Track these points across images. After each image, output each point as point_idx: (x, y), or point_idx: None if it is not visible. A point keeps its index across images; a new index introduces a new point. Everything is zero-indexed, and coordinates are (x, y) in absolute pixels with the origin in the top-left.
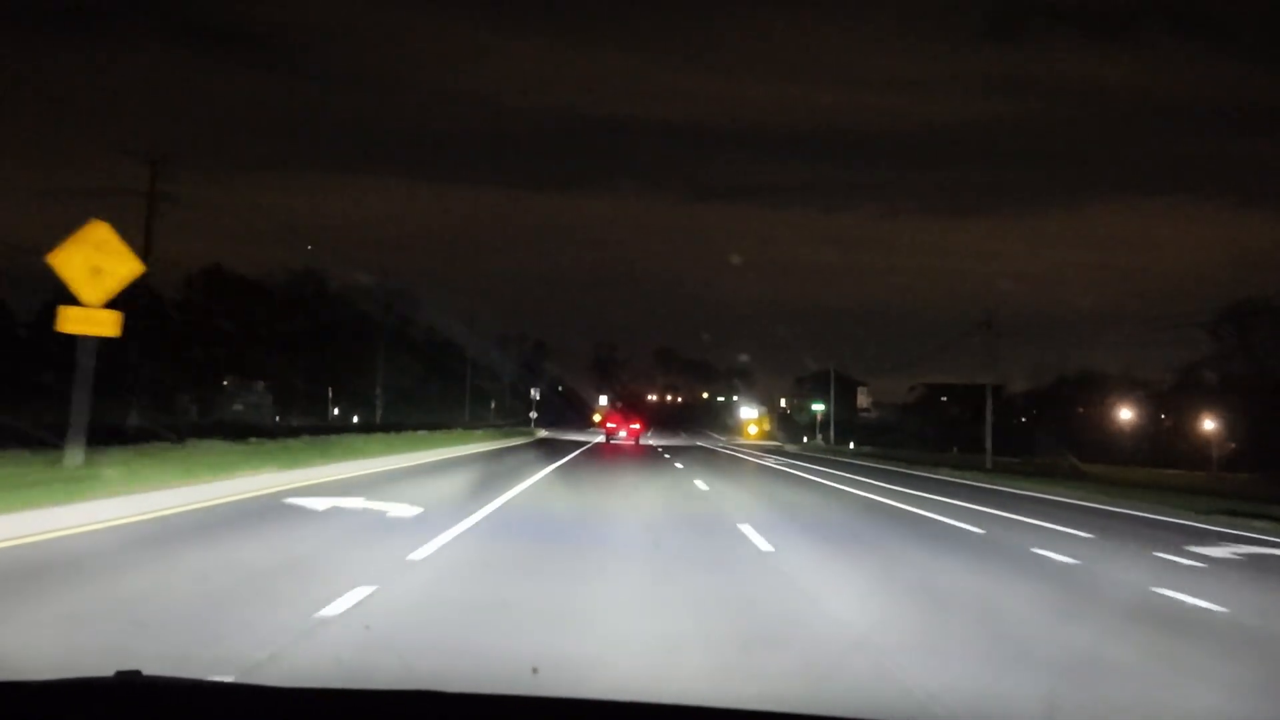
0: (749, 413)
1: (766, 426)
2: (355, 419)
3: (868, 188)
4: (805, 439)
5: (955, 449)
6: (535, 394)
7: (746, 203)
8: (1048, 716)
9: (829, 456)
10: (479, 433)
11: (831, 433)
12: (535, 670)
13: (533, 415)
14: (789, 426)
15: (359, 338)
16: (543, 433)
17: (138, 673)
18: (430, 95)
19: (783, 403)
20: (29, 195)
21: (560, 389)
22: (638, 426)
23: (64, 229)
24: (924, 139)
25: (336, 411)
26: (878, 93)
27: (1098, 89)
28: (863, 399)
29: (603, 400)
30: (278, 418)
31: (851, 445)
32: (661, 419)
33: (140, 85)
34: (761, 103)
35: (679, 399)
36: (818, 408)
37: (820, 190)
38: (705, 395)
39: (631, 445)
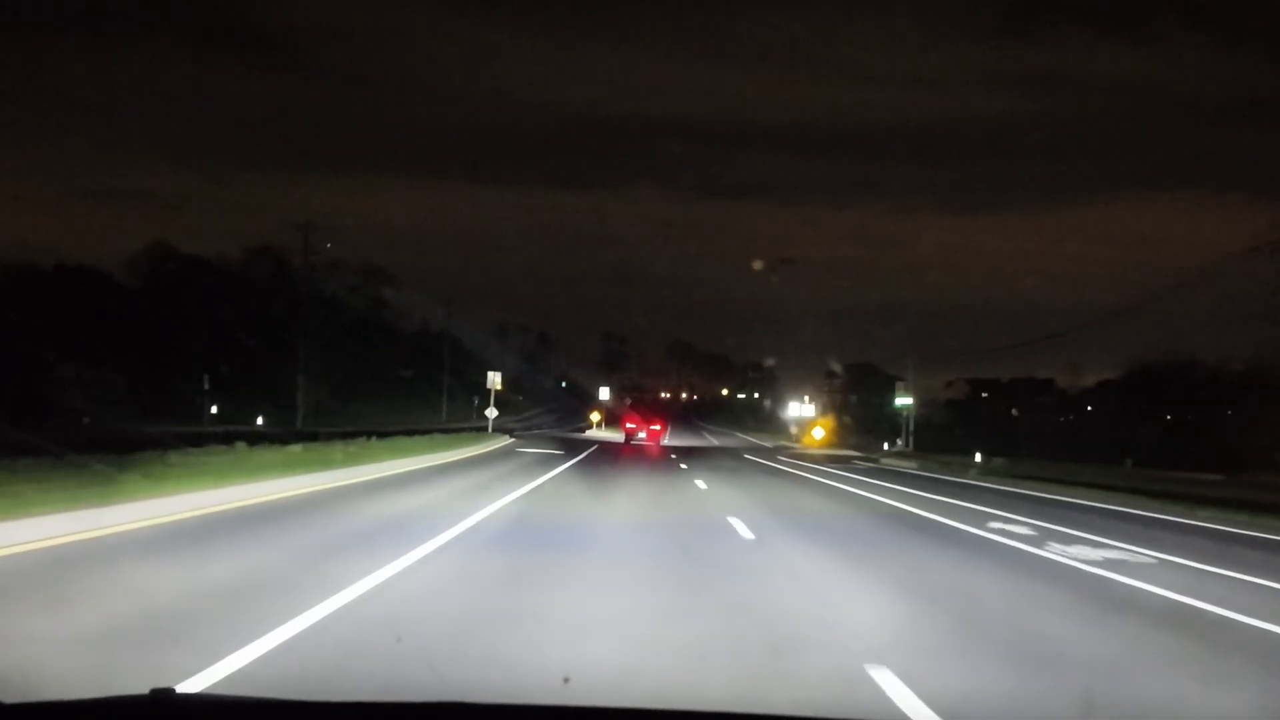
0: (797, 409)
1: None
2: (260, 420)
3: (881, 184)
4: (886, 445)
5: (1102, 459)
6: (494, 381)
7: (760, 200)
8: None
9: (1020, 489)
10: (400, 443)
11: (909, 436)
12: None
13: (490, 413)
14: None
15: (295, 321)
16: (506, 439)
17: (171, 690)
18: (443, 94)
19: (806, 399)
20: (41, 195)
21: (565, 384)
22: (658, 427)
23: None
24: (938, 135)
25: (215, 410)
26: (891, 89)
27: (1112, 84)
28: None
29: (604, 394)
30: (87, 419)
31: (978, 457)
32: (678, 415)
33: (151, 86)
34: (775, 100)
35: (695, 395)
36: (904, 402)
37: (834, 187)
38: (725, 391)
39: (651, 449)
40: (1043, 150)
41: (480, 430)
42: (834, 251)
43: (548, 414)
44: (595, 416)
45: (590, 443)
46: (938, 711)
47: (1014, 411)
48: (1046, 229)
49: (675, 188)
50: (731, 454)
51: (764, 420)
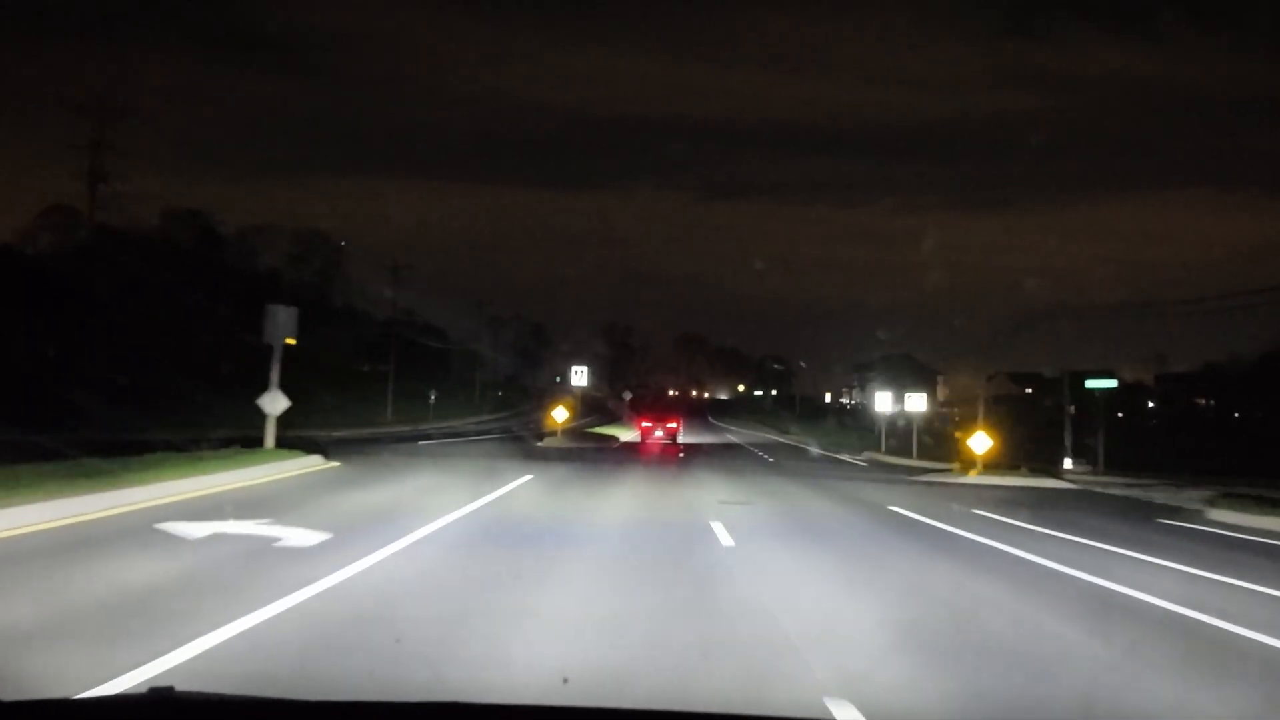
0: (883, 403)
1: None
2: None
3: (885, 183)
4: (1069, 462)
5: None
6: (280, 323)
7: (763, 200)
8: None
9: None
10: None
11: (1101, 450)
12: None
13: (271, 405)
14: (856, 423)
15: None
16: (309, 463)
17: (170, 689)
18: (446, 96)
19: (840, 396)
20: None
21: (559, 380)
22: (675, 425)
23: None
24: (942, 134)
25: None
26: (895, 88)
27: (1117, 82)
28: (943, 391)
29: (578, 377)
30: None
31: None
32: (695, 416)
33: (157, 89)
34: (778, 99)
35: (705, 393)
36: (1102, 385)
37: (837, 186)
38: (741, 387)
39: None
40: (1047, 149)
41: (285, 443)
42: (837, 251)
43: (539, 412)
44: (561, 413)
45: (536, 458)
46: None
47: (1070, 409)
48: (1052, 227)
49: (680, 188)
50: (841, 495)
51: (788, 418)
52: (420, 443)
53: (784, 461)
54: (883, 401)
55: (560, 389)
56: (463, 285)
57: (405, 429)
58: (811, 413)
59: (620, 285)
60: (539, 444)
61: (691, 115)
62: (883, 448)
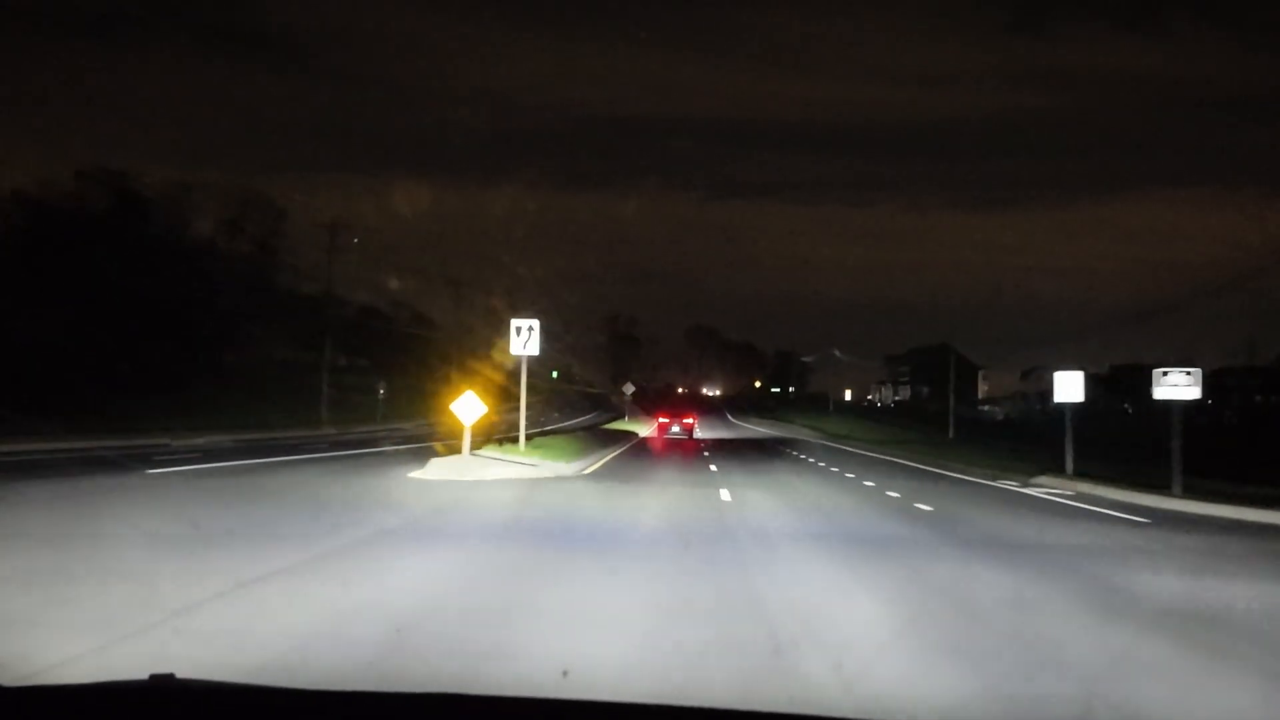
0: (1072, 385)
1: None
2: None
3: (894, 182)
4: None
5: None
6: None
7: (772, 199)
8: None
9: None
10: None
11: None
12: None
13: None
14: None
15: None
16: None
17: (171, 676)
18: (452, 96)
19: (867, 394)
20: None
21: (554, 375)
22: (690, 421)
23: None
24: (950, 133)
25: None
26: (902, 87)
27: (1125, 80)
28: (983, 387)
29: (517, 342)
30: None
31: None
32: (705, 410)
33: (158, 88)
34: (786, 99)
35: (716, 390)
36: None
37: (844, 185)
38: (758, 383)
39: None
40: (1055, 147)
41: None
42: (845, 250)
43: (514, 411)
44: (469, 407)
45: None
46: None
47: (1126, 407)
48: (1061, 226)
49: (685, 187)
50: None
51: (818, 416)
52: (166, 470)
53: (948, 507)
54: (1070, 387)
55: (560, 385)
56: (462, 284)
57: (331, 431)
58: (837, 411)
59: (625, 284)
60: (413, 474)
61: (696, 115)
62: (1070, 467)
